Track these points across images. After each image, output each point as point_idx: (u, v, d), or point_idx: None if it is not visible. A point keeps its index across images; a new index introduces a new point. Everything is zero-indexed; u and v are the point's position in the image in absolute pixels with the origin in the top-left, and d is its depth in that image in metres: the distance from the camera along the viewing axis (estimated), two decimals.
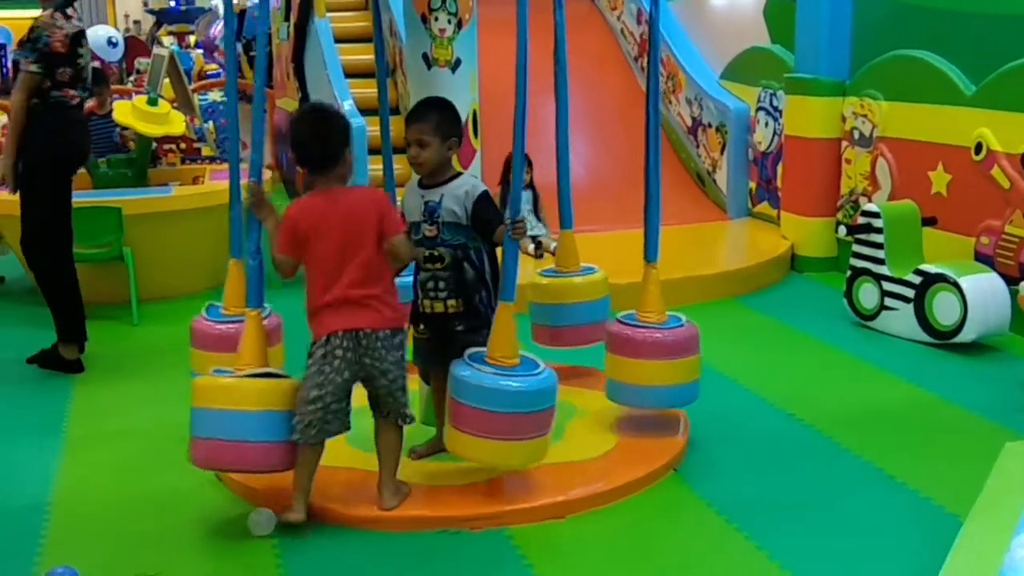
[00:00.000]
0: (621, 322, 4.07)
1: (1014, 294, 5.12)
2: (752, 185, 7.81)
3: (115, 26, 20.62)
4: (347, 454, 3.91)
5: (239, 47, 12.67)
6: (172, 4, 21.63)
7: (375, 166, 7.30)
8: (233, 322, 4.00)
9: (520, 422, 3.41)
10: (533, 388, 3.43)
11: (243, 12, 12.43)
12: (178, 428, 4.39)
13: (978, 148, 5.70)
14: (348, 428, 3.55)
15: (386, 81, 4.24)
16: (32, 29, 5.06)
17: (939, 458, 4.05)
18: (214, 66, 12.81)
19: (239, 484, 3.75)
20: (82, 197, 5.42)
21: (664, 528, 3.55)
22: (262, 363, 3.54)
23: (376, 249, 3.43)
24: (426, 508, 3.57)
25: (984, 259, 5.61)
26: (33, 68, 5.00)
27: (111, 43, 9.06)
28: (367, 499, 3.62)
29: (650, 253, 4.11)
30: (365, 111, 7.59)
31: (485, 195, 3.64)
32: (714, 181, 8.14)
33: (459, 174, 3.73)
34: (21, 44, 5.09)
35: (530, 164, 5.82)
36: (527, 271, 5.96)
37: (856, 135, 6.67)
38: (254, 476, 3.68)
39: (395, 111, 7.59)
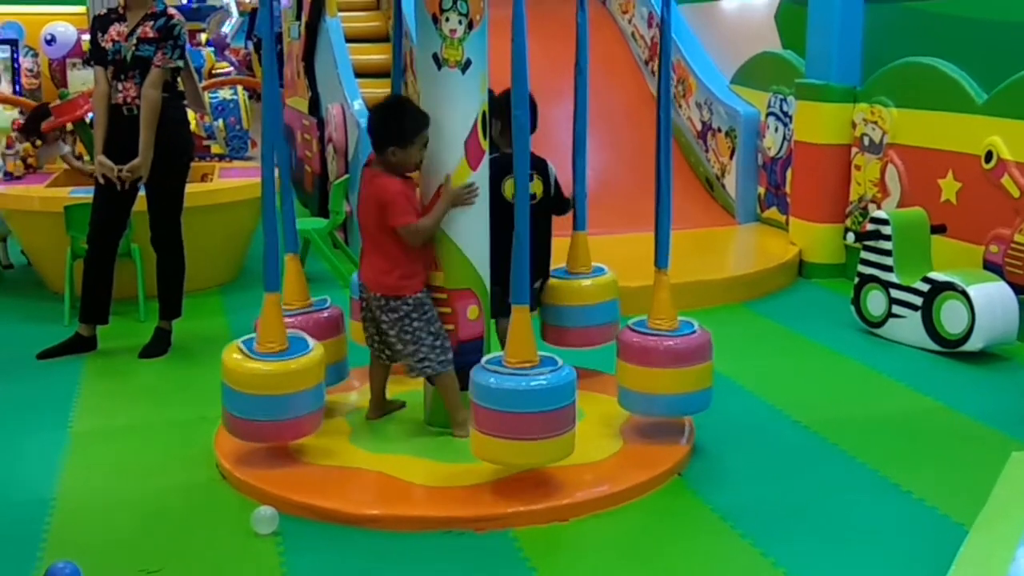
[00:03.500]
0: (632, 329, 4.03)
1: (1023, 303, 5.10)
2: (761, 190, 7.79)
3: None
4: (350, 453, 3.92)
5: (250, 45, 12.70)
6: (184, 2, 21.62)
7: None
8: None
9: (548, 420, 3.45)
10: (556, 384, 3.46)
11: (254, 11, 12.46)
12: (184, 424, 4.43)
13: (988, 156, 5.69)
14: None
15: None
16: (170, 26, 5.08)
17: (945, 467, 4.04)
18: (225, 64, 12.81)
19: (243, 482, 3.75)
20: (89, 193, 5.42)
21: (667, 533, 3.55)
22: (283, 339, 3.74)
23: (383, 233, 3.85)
24: (430, 508, 3.57)
25: (993, 267, 5.59)
26: (180, 63, 5.16)
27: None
28: (371, 498, 3.63)
29: (661, 259, 4.08)
30: None
31: None
32: (723, 186, 8.13)
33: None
34: (149, 41, 5.06)
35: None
36: None
37: (866, 141, 6.65)
38: (259, 474, 3.73)
39: None
